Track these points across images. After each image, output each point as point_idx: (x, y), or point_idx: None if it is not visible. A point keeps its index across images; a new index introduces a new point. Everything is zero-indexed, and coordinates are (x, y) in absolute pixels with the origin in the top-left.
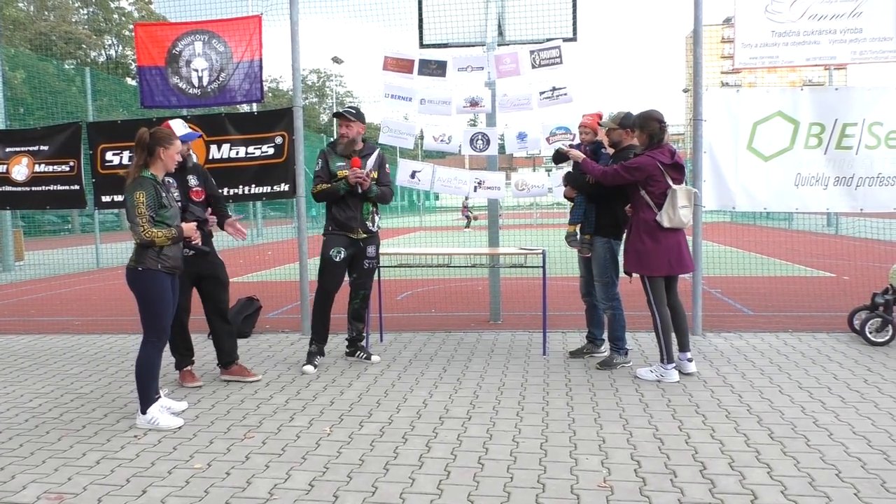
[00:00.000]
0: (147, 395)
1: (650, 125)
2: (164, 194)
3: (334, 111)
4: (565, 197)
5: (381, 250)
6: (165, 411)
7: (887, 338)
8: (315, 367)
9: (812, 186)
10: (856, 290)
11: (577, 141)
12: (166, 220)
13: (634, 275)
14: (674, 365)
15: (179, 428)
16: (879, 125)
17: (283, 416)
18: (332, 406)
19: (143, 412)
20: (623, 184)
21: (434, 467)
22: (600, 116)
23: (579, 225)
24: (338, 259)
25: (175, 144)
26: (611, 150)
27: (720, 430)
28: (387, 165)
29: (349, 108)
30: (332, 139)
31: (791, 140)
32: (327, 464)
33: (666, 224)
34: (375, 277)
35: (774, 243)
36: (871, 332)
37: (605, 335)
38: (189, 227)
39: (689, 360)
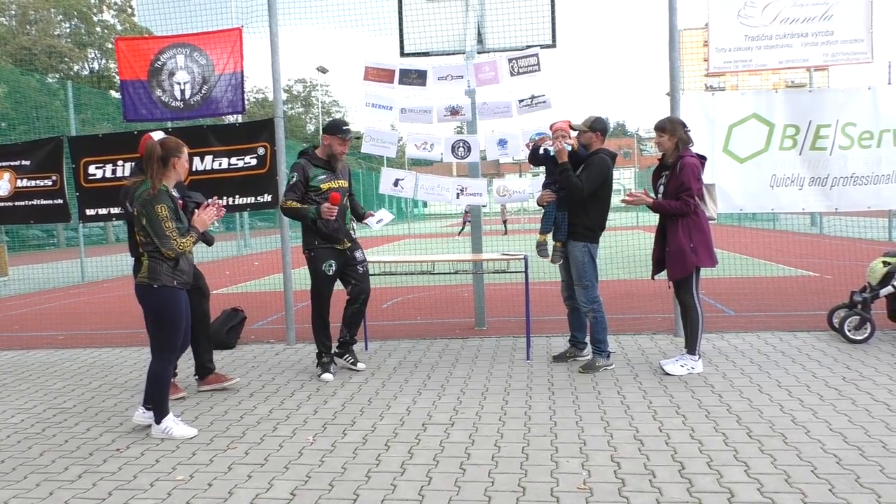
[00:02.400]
0: (162, 407)
1: (678, 129)
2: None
3: (341, 127)
4: (538, 203)
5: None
6: (178, 421)
7: (866, 335)
8: (333, 374)
9: (787, 187)
10: (837, 288)
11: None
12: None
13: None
14: (700, 357)
15: (192, 437)
16: (853, 126)
17: (266, 426)
18: (315, 415)
19: (158, 423)
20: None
21: (416, 474)
22: (568, 123)
23: (550, 234)
24: (330, 273)
25: (185, 153)
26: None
27: (699, 430)
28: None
29: (347, 125)
30: (307, 149)
31: (766, 142)
32: (310, 473)
33: (713, 216)
34: None
35: (758, 244)
36: (849, 330)
37: (588, 338)
38: (202, 220)
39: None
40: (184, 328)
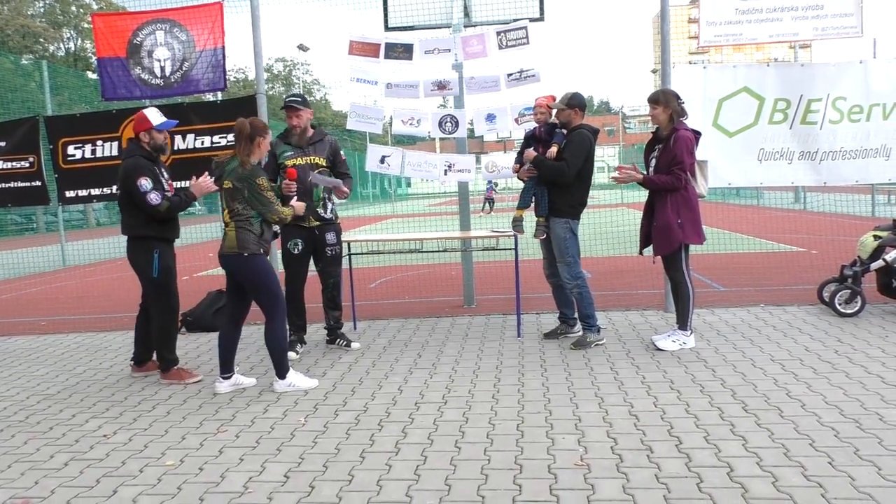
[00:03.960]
0: (283, 364)
1: (672, 102)
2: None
3: (285, 103)
4: (519, 178)
5: (353, 238)
6: (300, 375)
7: (856, 309)
8: (297, 353)
9: (776, 161)
10: (824, 263)
11: (532, 124)
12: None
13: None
14: (691, 332)
15: (313, 388)
16: (843, 100)
17: (256, 408)
18: (306, 396)
19: (282, 378)
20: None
21: (411, 453)
22: (553, 99)
23: (527, 209)
24: (296, 251)
25: (270, 135)
26: (564, 131)
27: (695, 404)
28: (341, 151)
29: (294, 96)
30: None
31: (756, 116)
32: (303, 454)
33: (703, 193)
34: (346, 265)
35: (744, 220)
36: (840, 304)
37: (577, 314)
38: (301, 206)
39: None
40: (279, 285)
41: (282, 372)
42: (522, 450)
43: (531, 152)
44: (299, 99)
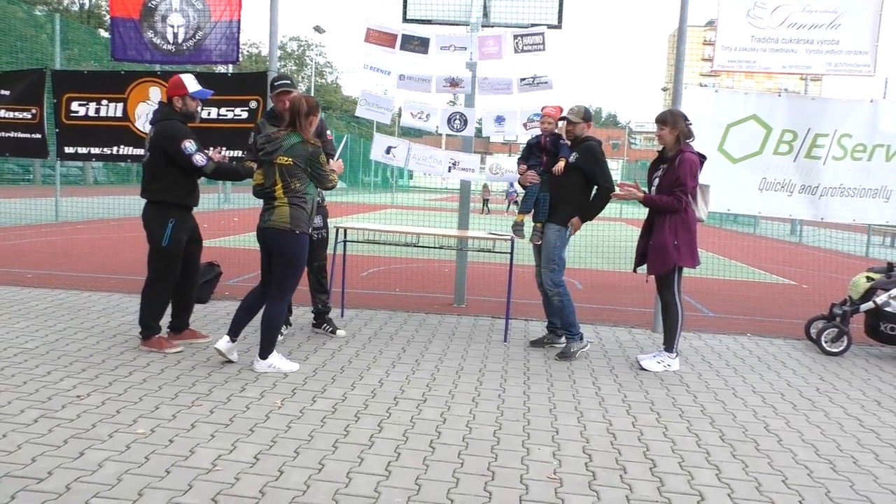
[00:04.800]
0: (270, 344)
1: (680, 123)
2: None
3: (273, 84)
4: (520, 184)
5: (349, 225)
6: (282, 357)
7: (842, 348)
8: (282, 335)
9: (777, 192)
10: (814, 299)
11: (538, 131)
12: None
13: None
14: (677, 355)
15: (293, 372)
16: (848, 137)
17: (234, 385)
18: (285, 379)
19: (264, 358)
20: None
21: (384, 448)
22: (561, 109)
23: (529, 214)
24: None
25: (320, 114)
26: (569, 143)
27: (673, 429)
28: (328, 132)
29: (284, 79)
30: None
31: (762, 145)
32: (275, 437)
33: (703, 217)
34: (340, 251)
35: (739, 247)
36: (826, 342)
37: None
38: (339, 165)
39: (654, 356)
40: (304, 269)
41: (265, 352)
42: (497, 457)
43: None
44: (289, 81)
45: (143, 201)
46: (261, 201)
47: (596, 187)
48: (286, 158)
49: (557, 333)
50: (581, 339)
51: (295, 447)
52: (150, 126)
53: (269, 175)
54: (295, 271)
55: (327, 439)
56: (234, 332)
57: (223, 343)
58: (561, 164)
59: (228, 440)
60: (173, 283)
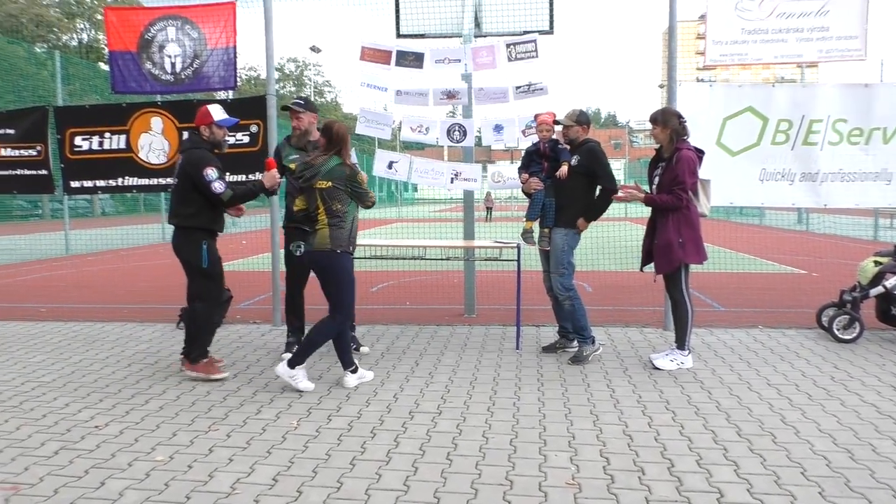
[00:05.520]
0: (304, 356)
1: (672, 121)
2: None
3: (286, 106)
4: (524, 192)
5: (357, 241)
6: (305, 377)
7: (854, 335)
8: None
9: (777, 182)
10: (824, 287)
11: (535, 139)
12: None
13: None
14: (689, 353)
15: (309, 391)
16: (843, 122)
17: (249, 408)
18: (300, 399)
19: (292, 367)
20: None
21: (401, 463)
22: (553, 115)
23: (536, 221)
24: (298, 253)
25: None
26: (567, 147)
27: (689, 426)
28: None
29: (297, 99)
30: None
31: (759, 136)
32: (293, 458)
33: (706, 212)
34: None
35: (745, 239)
36: (838, 330)
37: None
38: (364, 176)
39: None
40: (354, 288)
41: (298, 361)
42: (514, 465)
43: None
44: (302, 101)
45: (160, 229)
46: (264, 226)
47: (599, 188)
48: (326, 182)
49: (569, 338)
50: (593, 342)
51: (313, 467)
52: (180, 153)
53: (312, 200)
54: (346, 287)
55: (345, 457)
56: (348, 364)
57: (352, 380)
58: (564, 169)
59: (247, 463)
60: (220, 302)
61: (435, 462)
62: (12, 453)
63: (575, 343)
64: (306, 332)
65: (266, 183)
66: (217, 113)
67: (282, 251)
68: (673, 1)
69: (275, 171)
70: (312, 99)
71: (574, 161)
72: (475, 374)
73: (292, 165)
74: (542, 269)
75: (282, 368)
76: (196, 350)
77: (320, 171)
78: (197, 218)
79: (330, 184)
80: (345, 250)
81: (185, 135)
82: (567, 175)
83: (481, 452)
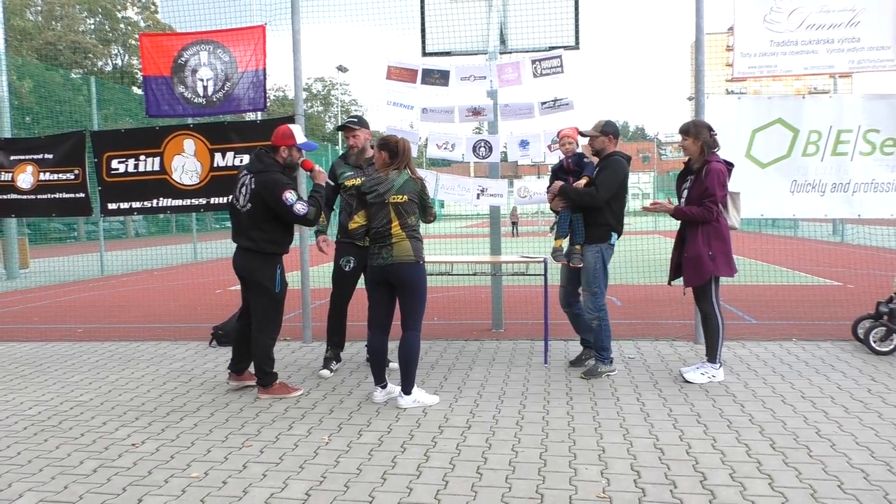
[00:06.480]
0: (413, 378)
1: (703, 133)
2: None
3: (339, 124)
4: (552, 209)
5: None
6: (424, 393)
7: (891, 347)
8: (331, 371)
9: (808, 193)
10: (860, 298)
11: (561, 155)
12: None
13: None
14: (721, 366)
15: (436, 404)
16: (876, 132)
17: (281, 424)
18: (331, 415)
19: (407, 393)
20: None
21: (432, 477)
22: (577, 130)
23: (566, 238)
24: (347, 268)
25: None
26: (595, 159)
27: (721, 440)
28: None
29: (351, 117)
30: (338, 149)
31: (790, 148)
32: (325, 473)
33: (736, 225)
34: None
35: (779, 251)
36: (875, 342)
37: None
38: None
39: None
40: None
41: (408, 387)
42: (544, 479)
43: (557, 184)
44: (356, 119)
45: (191, 248)
46: (293, 243)
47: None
48: (401, 197)
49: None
50: (611, 363)
51: (345, 482)
52: (246, 172)
53: (382, 215)
54: (423, 298)
55: (376, 472)
56: (380, 378)
57: (379, 395)
58: (582, 181)
59: (280, 478)
60: (281, 323)
61: (465, 476)
62: (52, 472)
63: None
64: (373, 352)
65: (320, 180)
66: (300, 135)
67: (312, 269)
68: (700, 15)
69: (317, 167)
70: (339, 118)
71: (594, 173)
72: (504, 389)
73: (349, 182)
74: (560, 283)
75: (403, 401)
76: (265, 376)
77: (394, 186)
78: (273, 244)
79: (405, 198)
80: (423, 260)
81: (219, 155)
82: (585, 187)
83: (511, 466)
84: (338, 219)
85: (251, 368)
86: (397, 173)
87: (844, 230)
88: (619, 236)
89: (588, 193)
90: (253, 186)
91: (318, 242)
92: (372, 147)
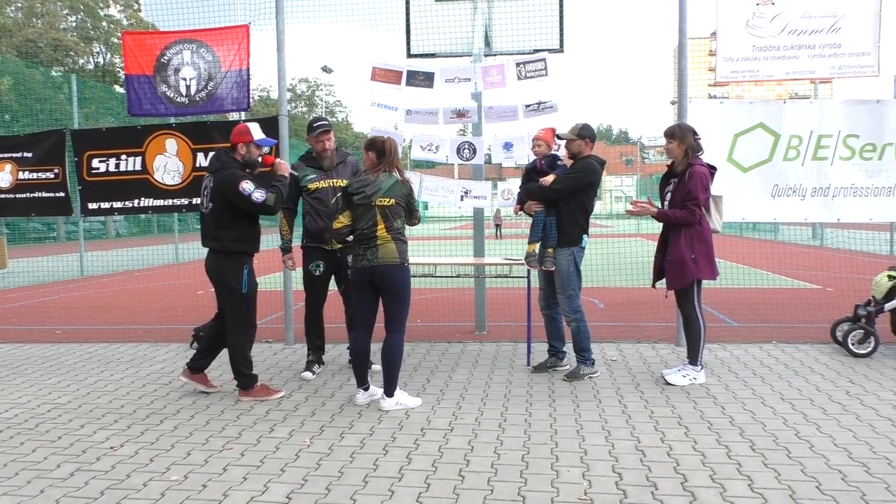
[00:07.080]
0: (395, 380)
1: (688, 137)
2: None
3: (311, 123)
4: (526, 212)
5: None
6: (406, 395)
7: (869, 349)
8: (314, 373)
9: (789, 197)
10: (839, 301)
11: (531, 157)
12: None
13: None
14: (702, 368)
15: (418, 406)
16: (855, 137)
17: (262, 427)
18: (313, 417)
19: (390, 395)
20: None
21: (414, 480)
22: (553, 132)
23: (539, 243)
24: (317, 273)
25: None
26: (569, 162)
27: (702, 442)
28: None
29: (323, 119)
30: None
31: (771, 152)
32: (306, 476)
33: (718, 228)
34: None
35: (759, 254)
36: (853, 344)
37: (566, 347)
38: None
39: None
40: None
41: (391, 389)
42: (526, 481)
43: (548, 179)
44: (327, 122)
45: (172, 249)
46: (275, 244)
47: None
48: (388, 200)
49: (559, 357)
50: (592, 364)
51: (326, 484)
52: (208, 174)
53: (367, 217)
54: (408, 300)
55: (357, 475)
56: (362, 381)
57: (363, 398)
58: (549, 178)
59: (260, 482)
60: (255, 326)
61: (447, 479)
62: (28, 476)
63: (564, 361)
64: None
65: (283, 171)
66: (256, 132)
67: (294, 271)
68: (683, 20)
69: (279, 160)
70: (325, 120)
71: (560, 172)
72: (486, 391)
73: (311, 186)
74: (539, 286)
75: (385, 403)
76: (243, 378)
77: (381, 189)
78: (238, 241)
79: (392, 201)
80: (408, 262)
81: (201, 155)
82: (550, 184)
83: (493, 468)
84: (302, 222)
85: (216, 373)
86: (386, 175)
87: (824, 234)
88: (587, 238)
89: (548, 188)
90: (212, 185)
91: (284, 262)
92: (335, 149)
